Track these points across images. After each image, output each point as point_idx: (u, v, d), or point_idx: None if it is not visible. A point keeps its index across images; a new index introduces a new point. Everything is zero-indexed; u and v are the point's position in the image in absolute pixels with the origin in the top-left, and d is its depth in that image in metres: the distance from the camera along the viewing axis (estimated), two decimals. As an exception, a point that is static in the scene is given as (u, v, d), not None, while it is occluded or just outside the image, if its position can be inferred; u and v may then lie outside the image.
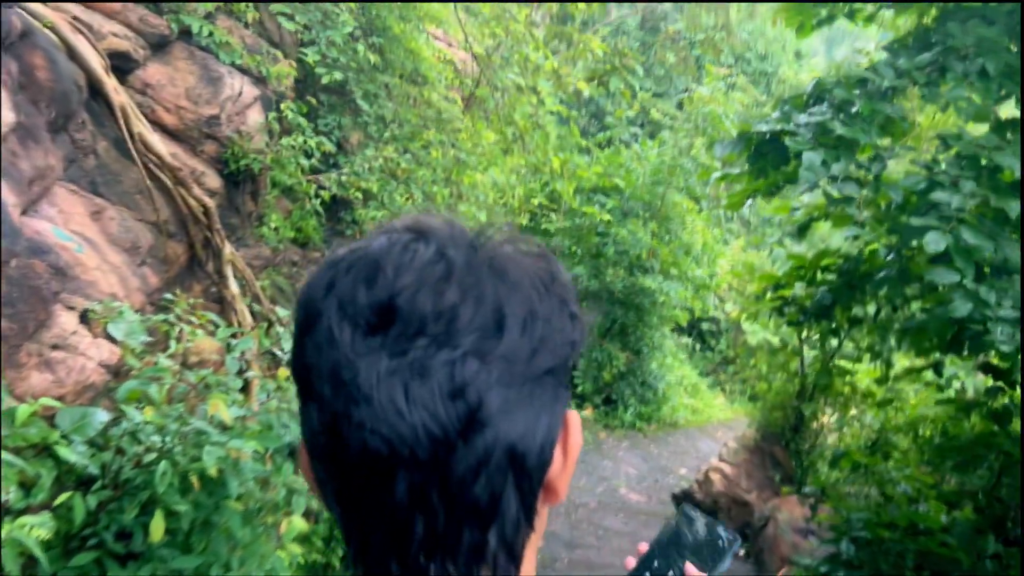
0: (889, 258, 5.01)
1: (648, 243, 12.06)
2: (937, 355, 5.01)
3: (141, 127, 4.50)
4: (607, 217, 12.46)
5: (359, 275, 0.61)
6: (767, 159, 4.99)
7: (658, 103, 17.54)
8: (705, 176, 8.45)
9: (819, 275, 6.88)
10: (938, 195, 4.01)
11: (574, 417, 0.69)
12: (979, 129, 4.55)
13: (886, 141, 4.52)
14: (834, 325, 7.16)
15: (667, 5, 20.54)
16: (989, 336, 3.67)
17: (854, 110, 4.36)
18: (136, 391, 3.44)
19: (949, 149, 4.26)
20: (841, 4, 6.14)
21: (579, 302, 0.69)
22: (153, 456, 3.04)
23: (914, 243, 4.21)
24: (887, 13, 6.50)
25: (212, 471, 2.96)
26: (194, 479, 2.94)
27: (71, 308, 3.52)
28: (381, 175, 5.99)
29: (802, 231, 6.92)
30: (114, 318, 3.63)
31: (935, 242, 3.78)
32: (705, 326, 16.58)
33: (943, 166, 4.19)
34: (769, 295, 7.22)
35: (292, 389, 3.64)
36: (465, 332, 0.59)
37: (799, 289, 7.19)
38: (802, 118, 4.42)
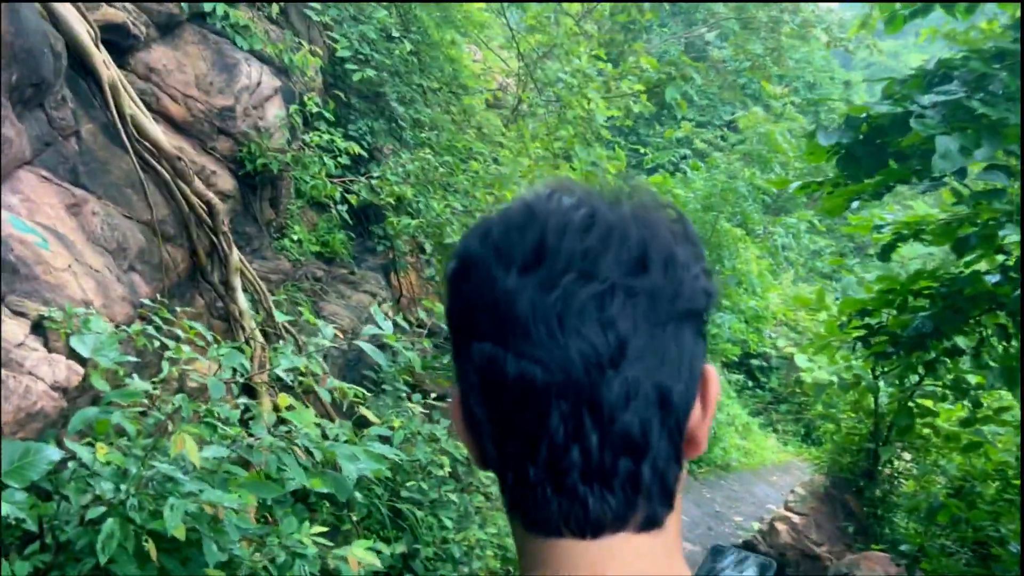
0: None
1: (699, 272, 11.17)
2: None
3: (135, 109, 3.76)
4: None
5: (511, 223, 0.65)
6: (871, 158, 4.13)
7: (702, 133, 16.75)
8: (781, 185, 7.54)
9: (911, 300, 5.97)
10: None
11: (712, 369, 0.68)
12: None
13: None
14: (931, 355, 6.21)
15: (711, 34, 19.84)
16: None
17: (991, 88, 3.49)
18: (103, 422, 2.65)
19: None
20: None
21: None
22: (101, 510, 2.22)
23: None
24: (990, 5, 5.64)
25: (178, 532, 2.13)
26: (149, 546, 2.12)
27: (19, 314, 2.74)
28: (417, 180, 5.21)
29: (886, 252, 6.01)
30: (79, 329, 2.86)
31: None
32: (755, 362, 15.54)
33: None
34: (854, 322, 6.29)
35: (298, 419, 2.82)
36: (610, 268, 0.61)
37: (885, 316, 6.29)
38: (928, 98, 3.55)
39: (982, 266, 5.65)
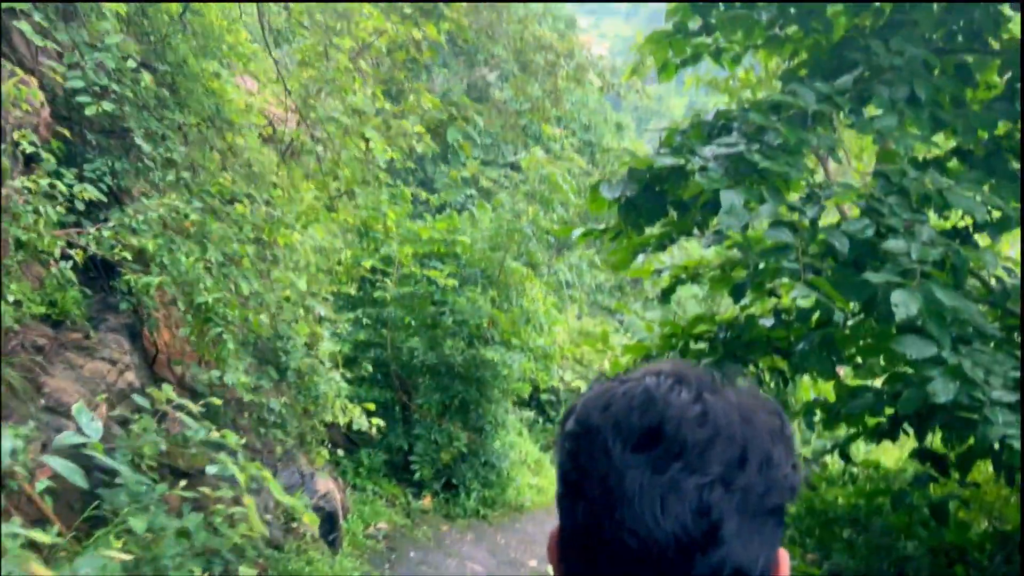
0: (804, 322, 4.04)
1: (488, 312, 10.90)
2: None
3: None
4: (451, 283, 11.23)
5: (633, 402, 0.72)
6: (652, 208, 3.93)
7: (487, 171, 16.70)
8: (564, 233, 7.38)
9: (692, 344, 5.93)
10: (892, 243, 3.04)
11: (784, 554, 0.75)
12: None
13: (819, 176, 3.55)
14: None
15: (492, 75, 20.05)
16: (989, 426, 2.66)
17: (775, 142, 3.36)
18: None
19: (890, 185, 3.33)
20: (708, 42, 5.32)
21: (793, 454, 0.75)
22: None
23: (859, 306, 3.22)
24: (757, 55, 5.75)
25: None
26: None
27: None
28: (162, 230, 4.45)
29: (666, 295, 5.97)
30: None
31: (905, 304, 2.77)
32: (544, 396, 15.55)
33: (887, 207, 3.23)
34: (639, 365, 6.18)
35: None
36: (715, 463, 0.68)
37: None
38: (709, 150, 3.36)
39: (756, 309, 5.72)
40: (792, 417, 5.51)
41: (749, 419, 0.70)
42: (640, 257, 4.58)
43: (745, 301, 5.21)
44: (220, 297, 4.96)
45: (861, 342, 4.03)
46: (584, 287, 15.20)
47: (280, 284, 6.34)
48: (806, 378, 5.48)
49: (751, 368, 5.55)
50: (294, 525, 7.80)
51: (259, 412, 6.33)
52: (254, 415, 6.37)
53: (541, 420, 15.49)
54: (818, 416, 4.41)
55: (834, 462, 7.69)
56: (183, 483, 4.06)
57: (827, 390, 5.58)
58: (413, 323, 11.30)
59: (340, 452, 9.74)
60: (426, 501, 10.69)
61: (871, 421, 4.04)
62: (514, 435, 12.71)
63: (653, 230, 4.15)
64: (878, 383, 3.98)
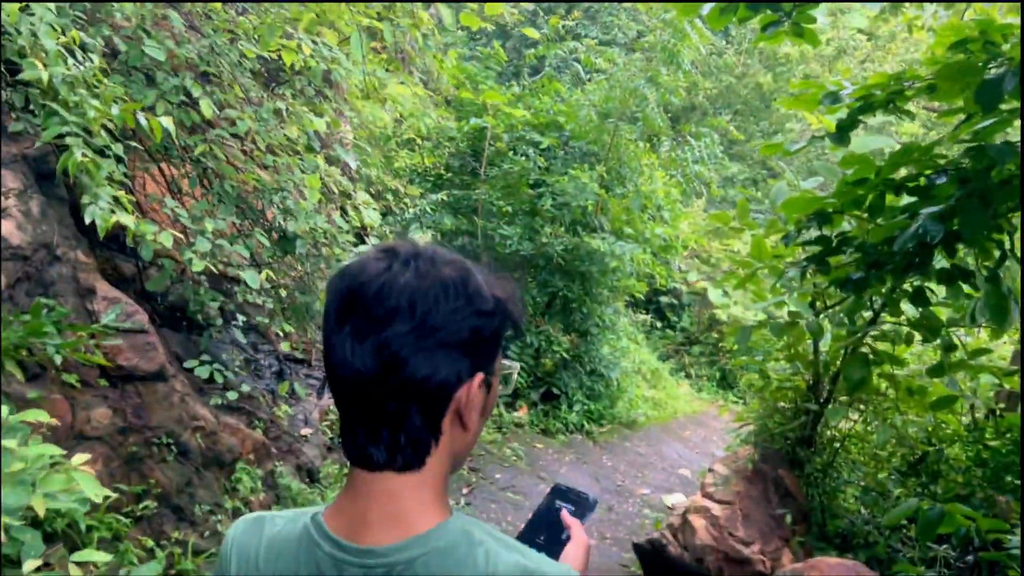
0: None
1: (596, 193, 8.76)
2: None
3: None
4: (542, 161, 9.15)
5: (345, 270, 0.99)
6: None
7: (605, 53, 14.24)
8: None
9: (889, 198, 3.71)
10: None
11: (477, 378, 0.99)
12: None
13: None
14: (910, 280, 3.97)
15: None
16: None
17: None
18: None
19: None
20: None
21: (491, 300, 1.00)
22: None
23: None
24: None
25: None
26: None
27: None
28: None
29: (845, 130, 3.68)
30: None
31: None
32: (664, 299, 13.38)
33: None
34: (805, 234, 4.02)
35: None
36: (388, 311, 0.92)
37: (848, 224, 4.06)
38: None
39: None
40: None
41: (424, 277, 0.94)
42: None
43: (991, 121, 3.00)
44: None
45: None
46: (716, 167, 12.57)
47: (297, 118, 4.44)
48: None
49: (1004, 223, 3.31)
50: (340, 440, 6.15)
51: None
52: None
53: (660, 325, 13.36)
54: None
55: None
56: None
57: None
58: (509, 209, 9.32)
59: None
60: (521, 412, 8.89)
61: None
62: (626, 341, 10.69)
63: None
64: None
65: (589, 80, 10.13)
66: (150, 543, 3.23)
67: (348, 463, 0.99)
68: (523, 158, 9.19)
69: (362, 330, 0.92)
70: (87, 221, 2.31)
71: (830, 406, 5.94)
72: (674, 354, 13.12)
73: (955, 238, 3.19)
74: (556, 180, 8.88)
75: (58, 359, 2.63)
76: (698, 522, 5.48)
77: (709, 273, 13.62)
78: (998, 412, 5.76)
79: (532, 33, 9.03)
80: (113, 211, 2.37)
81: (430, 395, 0.95)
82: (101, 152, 3.11)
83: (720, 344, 12.83)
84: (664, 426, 10.15)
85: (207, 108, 3.49)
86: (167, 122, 2.90)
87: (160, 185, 4.23)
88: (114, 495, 3.01)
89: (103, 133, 3.07)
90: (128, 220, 2.38)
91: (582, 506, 1.32)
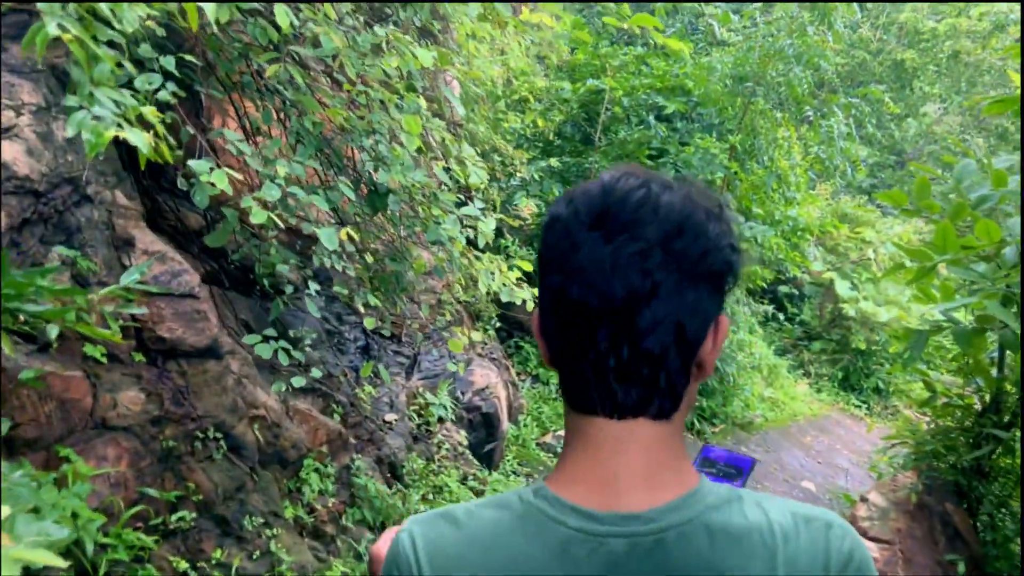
0: None
1: (724, 166, 7.72)
2: None
3: None
4: (664, 129, 8.15)
5: (589, 192, 0.83)
6: None
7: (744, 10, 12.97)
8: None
9: None
10: None
11: (725, 319, 0.86)
12: None
13: None
14: None
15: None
16: None
17: None
18: None
19: None
20: None
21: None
22: None
23: None
24: None
25: None
26: None
27: None
28: None
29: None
30: None
31: None
32: (783, 289, 12.15)
33: None
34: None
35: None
36: (654, 233, 0.78)
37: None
38: None
39: None
40: None
41: (688, 199, 0.80)
42: None
43: None
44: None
45: None
46: (879, 136, 11.08)
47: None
48: None
49: None
50: (430, 428, 5.41)
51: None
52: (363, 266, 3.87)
53: (781, 317, 12.14)
54: None
55: None
56: None
57: None
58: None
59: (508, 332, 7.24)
60: (626, 405, 7.99)
61: None
62: (744, 332, 9.60)
63: None
64: None
65: (721, 41, 9.01)
66: (183, 565, 2.52)
67: (573, 410, 0.85)
68: (641, 126, 8.23)
69: (622, 250, 0.79)
70: (69, 133, 1.58)
71: (1011, 431, 4.82)
72: (792, 349, 11.91)
73: None
74: (682, 150, 7.87)
75: (53, 332, 1.93)
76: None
77: (835, 263, 12.31)
78: None
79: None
80: (120, 125, 1.63)
81: (690, 332, 0.81)
82: (140, 63, 2.37)
83: (844, 341, 11.57)
84: (783, 430, 9.05)
85: (283, 18, 2.72)
86: (217, 12, 2.12)
87: (232, 120, 3.51)
88: (139, 505, 2.30)
89: (144, 44, 2.32)
90: (139, 140, 1.63)
91: (735, 471, 1.34)
